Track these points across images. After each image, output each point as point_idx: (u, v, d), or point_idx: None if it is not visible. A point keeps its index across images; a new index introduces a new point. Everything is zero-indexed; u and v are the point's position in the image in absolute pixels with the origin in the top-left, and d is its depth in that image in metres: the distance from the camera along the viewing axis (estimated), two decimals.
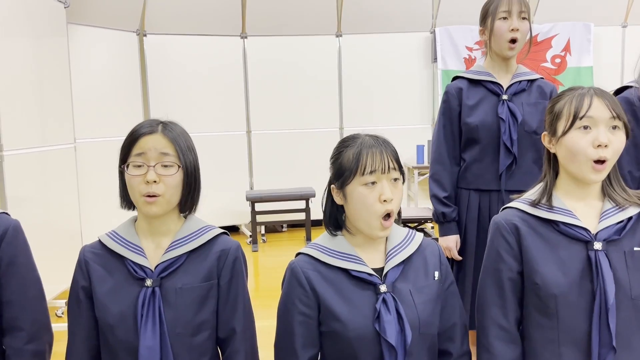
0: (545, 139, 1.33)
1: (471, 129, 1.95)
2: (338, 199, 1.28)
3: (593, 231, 1.26)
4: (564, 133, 1.26)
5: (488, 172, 1.94)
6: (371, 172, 1.21)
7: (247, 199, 5.11)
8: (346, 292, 1.25)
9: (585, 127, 1.23)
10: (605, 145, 1.21)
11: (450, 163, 2.01)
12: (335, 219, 1.32)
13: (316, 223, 5.71)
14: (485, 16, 1.96)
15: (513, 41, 1.89)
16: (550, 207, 1.29)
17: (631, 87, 1.89)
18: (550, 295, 1.24)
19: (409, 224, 4.71)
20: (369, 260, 1.29)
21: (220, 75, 5.40)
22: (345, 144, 1.28)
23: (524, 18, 1.91)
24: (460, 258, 1.98)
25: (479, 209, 1.94)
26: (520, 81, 1.97)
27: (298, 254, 1.33)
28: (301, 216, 5.26)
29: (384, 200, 1.21)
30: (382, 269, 1.27)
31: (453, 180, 2.01)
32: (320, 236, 1.34)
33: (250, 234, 5.22)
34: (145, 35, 5.11)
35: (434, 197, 2.01)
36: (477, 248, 1.96)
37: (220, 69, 5.41)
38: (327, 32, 5.56)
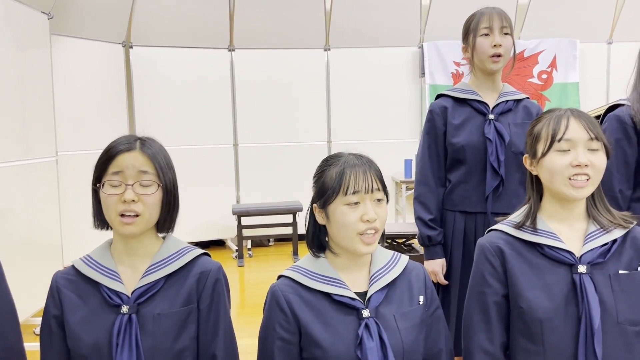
0: (526, 161, 1.31)
1: (457, 150, 1.91)
2: (320, 219, 1.25)
3: (578, 254, 1.23)
4: (543, 155, 1.24)
5: (474, 193, 1.90)
6: (354, 192, 1.18)
7: (234, 213, 5.06)
8: (328, 317, 1.21)
9: (564, 149, 1.22)
10: (586, 165, 1.20)
11: (435, 184, 1.96)
12: (319, 239, 1.29)
13: (303, 237, 5.66)
14: (467, 33, 1.94)
15: (496, 57, 1.87)
16: (534, 230, 1.27)
17: (623, 105, 1.89)
18: (535, 320, 1.21)
19: (397, 240, 4.68)
20: (353, 283, 1.26)
21: (207, 87, 5.37)
22: (328, 162, 1.25)
23: (506, 33, 1.88)
24: (446, 282, 1.94)
25: (465, 231, 1.90)
26: (506, 101, 1.94)
27: (280, 276, 1.29)
28: (288, 230, 5.21)
29: (367, 221, 1.18)
30: (366, 292, 1.24)
31: (438, 201, 1.96)
32: (304, 258, 1.31)
33: (237, 248, 5.16)
34: (131, 47, 5.07)
35: (419, 220, 1.97)
36: (463, 271, 1.91)
37: (208, 82, 5.38)
38: (315, 45, 5.56)
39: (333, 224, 1.21)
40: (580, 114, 1.25)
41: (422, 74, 5.56)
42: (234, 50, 5.45)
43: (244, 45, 5.44)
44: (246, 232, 5.17)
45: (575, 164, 1.20)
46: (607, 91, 5.80)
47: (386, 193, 1.25)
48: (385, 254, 1.32)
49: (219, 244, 5.72)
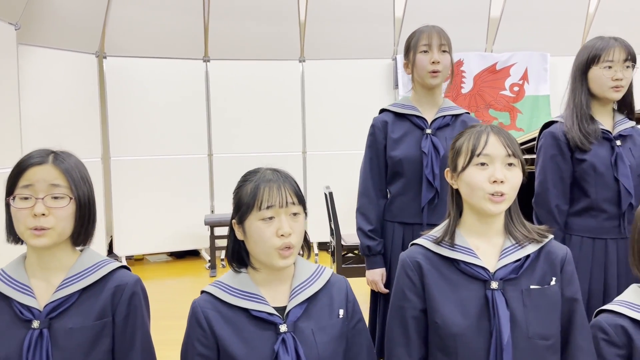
0: (448, 175, 1.34)
1: (395, 163, 1.97)
2: (239, 234, 1.27)
3: (493, 270, 1.26)
4: (463, 169, 1.27)
5: (411, 205, 1.95)
6: (268, 207, 1.20)
7: (206, 223, 5.05)
8: (245, 333, 1.23)
9: (482, 164, 1.25)
10: (502, 181, 1.23)
11: (376, 196, 2.01)
12: (239, 255, 1.30)
13: None
14: (408, 50, 2.00)
15: (434, 72, 1.93)
16: (452, 245, 1.29)
17: (557, 122, 1.94)
18: (450, 335, 1.23)
19: (356, 251, 4.69)
20: (273, 298, 1.27)
21: (182, 98, 5.38)
22: (245, 178, 1.28)
23: (444, 51, 1.94)
24: (386, 291, 1.97)
25: (403, 241, 1.95)
26: (444, 116, 1.99)
27: (202, 292, 1.30)
28: None
29: (282, 235, 1.20)
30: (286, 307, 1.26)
31: (379, 213, 2.01)
32: (226, 273, 1.32)
33: (209, 258, 5.15)
34: (105, 58, 5.07)
35: (359, 230, 2.01)
36: None
37: (183, 92, 5.39)
38: (290, 57, 5.59)
39: (250, 240, 1.23)
40: (500, 130, 1.28)
41: (396, 85, 5.61)
42: (209, 61, 5.47)
43: (219, 56, 5.46)
44: (220, 243, 5.16)
45: (492, 179, 1.23)
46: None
47: (304, 207, 1.27)
48: (308, 268, 1.33)
49: (194, 254, 5.71)
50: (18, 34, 3.70)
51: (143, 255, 5.58)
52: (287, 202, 1.21)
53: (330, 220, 3.87)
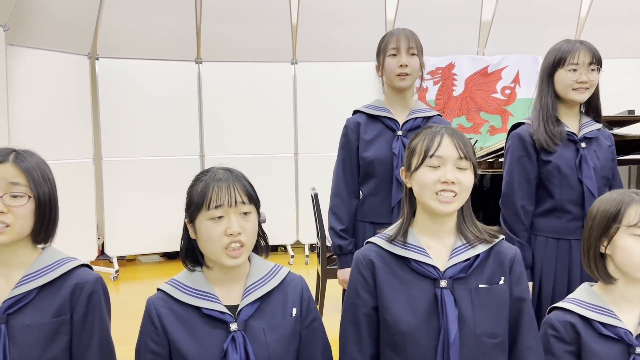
0: (402, 174, 1.36)
1: (367, 163, 1.99)
2: (191, 233, 1.29)
3: (443, 269, 1.28)
4: (416, 169, 1.29)
5: (382, 205, 1.97)
6: (217, 207, 1.22)
7: None
8: (197, 331, 1.25)
9: (435, 165, 1.27)
10: (453, 182, 1.24)
11: (348, 196, 2.03)
12: (193, 253, 1.32)
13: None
14: (378, 53, 2.02)
15: (402, 75, 1.94)
16: (404, 244, 1.31)
17: (525, 123, 1.95)
18: (399, 333, 1.25)
19: None
20: (226, 296, 1.29)
21: (174, 99, 5.40)
22: (197, 177, 1.30)
23: (412, 54, 1.96)
24: None
25: None
26: (416, 118, 2.01)
27: (158, 289, 1.32)
28: None
29: (231, 234, 1.22)
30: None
31: (351, 213, 2.03)
32: (182, 272, 1.34)
33: None
34: (97, 59, 5.10)
35: (331, 230, 2.03)
36: None
37: (175, 94, 5.41)
38: (282, 59, 5.62)
39: (200, 239, 1.25)
40: (454, 133, 1.30)
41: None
42: (201, 62, 5.50)
43: (211, 58, 5.48)
44: None
45: (443, 180, 1.25)
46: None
47: (256, 206, 1.28)
48: (264, 267, 1.35)
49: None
50: (7, 35, 3.74)
51: (135, 255, 5.60)
52: (236, 201, 1.23)
53: (316, 222, 3.89)
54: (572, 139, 1.86)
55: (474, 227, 1.32)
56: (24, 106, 4.21)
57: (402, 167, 1.36)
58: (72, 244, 4.93)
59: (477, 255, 1.29)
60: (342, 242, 1.99)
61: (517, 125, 1.97)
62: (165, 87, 5.37)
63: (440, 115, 2.10)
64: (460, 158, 1.27)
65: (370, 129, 2.02)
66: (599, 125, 1.94)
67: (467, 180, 1.27)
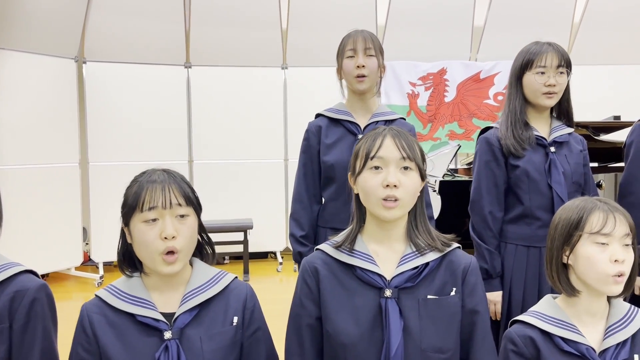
0: (350, 179, 1.30)
1: (328, 168, 1.93)
2: (128, 237, 1.23)
3: (390, 277, 1.21)
4: (359, 173, 1.23)
5: (343, 211, 1.90)
6: (150, 208, 1.16)
7: None
8: (129, 339, 1.18)
9: (377, 167, 1.20)
10: (395, 186, 1.18)
11: (309, 202, 1.97)
12: (131, 258, 1.26)
13: (257, 255, 5.63)
14: (337, 56, 1.97)
15: (360, 77, 1.88)
16: (350, 251, 1.25)
17: (493, 127, 1.90)
18: (340, 345, 1.19)
19: None
20: (165, 303, 1.23)
21: (163, 104, 5.36)
22: (134, 179, 1.24)
23: (370, 55, 1.90)
24: None
25: None
26: (377, 121, 1.95)
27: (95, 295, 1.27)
28: (240, 248, 5.17)
29: (165, 238, 1.16)
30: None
31: (312, 219, 1.97)
32: (121, 277, 1.28)
33: None
34: (84, 63, 5.07)
35: (292, 237, 1.97)
36: None
37: (164, 98, 5.37)
38: (272, 64, 5.58)
39: (135, 242, 1.19)
40: (398, 134, 1.24)
41: (378, 93, 5.57)
42: (190, 67, 5.46)
43: (201, 62, 5.45)
44: None
45: (385, 183, 1.19)
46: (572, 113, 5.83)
47: (195, 209, 1.23)
48: (206, 273, 1.29)
49: None
50: None
51: None
52: (171, 203, 1.17)
53: None
54: (541, 144, 1.80)
55: (425, 234, 1.25)
56: (9, 109, 4.18)
57: (350, 172, 1.30)
58: (58, 249, 4.88)
59: (427, 264, 1.22)
60: (302, 249, 1.93)
61: (486, 129, 1.91)
62: (154, 91, 5.33)
63: (404, 119, 2.04)
64: (404, 158, 1.20)
65: (331, 133, 1.97)
66: (570, 130, 1.88)
67: (411, 182, 1.20)
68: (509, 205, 1.83)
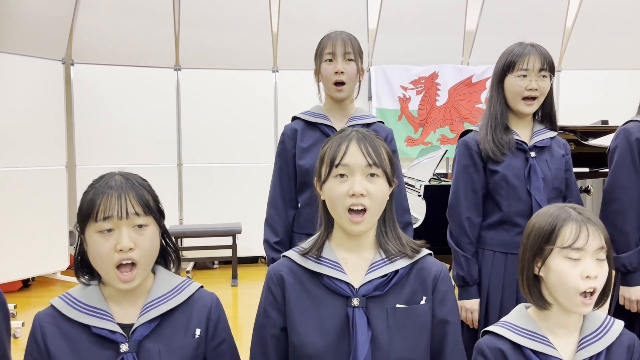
0: (316, 184, 1.25)
1: (303, 172, 1.88)
2: (85, 245, 1.17)
3: (358, 286, 1.16)
4: (324, 180, 1.18)
5: (317, 216, 1.85)
6: (105, 218, 1.10)
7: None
8: (84, 352, 1.13)
9: (342, 175, 1.16)
10: (361, 195, 1.13)
11: (284, 207, 1.91)
12: (89, 265, 1.20)
13: (247, 260, 5.57)
14: (315, 58, 1.92)
15: (338, 83, 1.84)
16: (317, 258, 1.20)
17: (473, 130, 1.85)
18: (305, 356, 1.14)
19: None
20: (124, 314, 1.17)
21: (152, 106, 5.31)
22: (91, 183, 1.18)
23: (349, 60, 1.85)
24: None
25: None
26: (354, 125, 1.90)
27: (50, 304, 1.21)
28: (229, 253, 5.11)
29: (120, 250, 1.10)
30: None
31: (287, 224, 1.91)
32: (78, 285, 1.23)
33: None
34: (72, 65, 5.02)
35: (265, 242, 1.91)
36: None
37: (153, 101, 5.32)
38: (263, 67, 5.53)
39: (89, 253, 1.14)
40: (364, 138, 1.19)
41: (370, 97, 5.54)
42: (180, 69, 5.41)
43: (191, 65, 5.40)
44: (188, 254, 5.07)
45: (351, 193, 1.14)
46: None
47: (155, 218, 1.17)
48: (170, 282, 1.24)
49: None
50: None
51: None
52: (127, 213, 1.11)
53: None
54: (521, 148, 1.76)
55: (395, 240, 1.20)
56: None
57: (316, 178, 1.25)
58: (43, 253, 4.82)
59: (397, 272, 1.17)
60: (276, 256, 1.87)
61: (466, 132, 1.87)
62: (143, 94, 5.28)
63: (382, 122, 1.99)
64: (370, 165, 1.15)
65: (307, 137, 1.91)
66: (553, 134, 1.84)
67: (378, 190, 1.15)
68: (487, 211, 1.78)
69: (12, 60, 4.40)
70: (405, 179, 3.63)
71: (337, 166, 1.15)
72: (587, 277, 1.11)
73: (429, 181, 3.15)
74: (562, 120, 6.09)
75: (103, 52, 5.10)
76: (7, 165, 4.36)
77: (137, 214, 1.12)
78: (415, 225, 2.86)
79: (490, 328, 1.24)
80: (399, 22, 5.41)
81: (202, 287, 1.28)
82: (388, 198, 1.20)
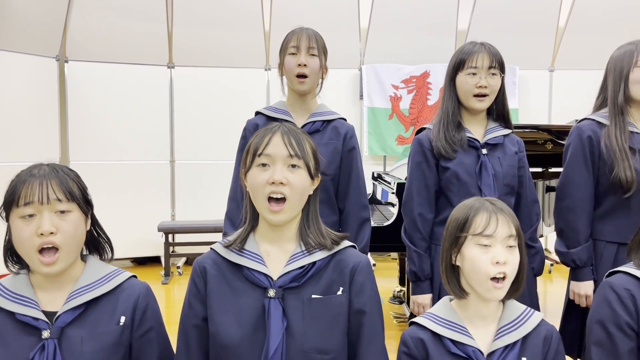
0: (242, 175, 1.27)
1: None
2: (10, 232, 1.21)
3: (277, 277, 1.18)
4: (247, 170, 1.20)
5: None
6: (26, 204, 1.13)
7: (159, 230, 5.00)
8: (7, 339, 1.16)
9: (264, 165, 1.18)
10: (281, 183, 1.15)
11: (243, 201, 1.93)
12: (17, 254, 1.23)
13: None
14: (279, 52, 1.94)
15: (301, 76, 1.85)
16: (240, 250, 1.22)
17: (427, 128, 1.87)
18: (222, 347, 1.16)
19: None
20: (49, 302, 1.20)
21: (145, 103, 5.36)
22: (18, 173, 1.21)
23: (313, 54, 1.86)
24: None
25: None
26: (315, 121, 1.92)
27: None
28: None
29: (41, 234, 1.13)
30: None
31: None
32: (9, 275, 1.26)
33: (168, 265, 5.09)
34: (66, 62, 5.08)
35: (224, 236, 1.92)
36: None
37: (146, 98, 5.37)
38: (255, 65, 5.57)
39: (14, 239, 1.17)
40: (289, 131, 1.21)
41: (361, 96, 5.55)
42: (173, 67, 5.46)
43: (184, 63, 5.45)
44: (179, 250, 5.12)
45: (271, 180, 1.16)
46: (549, 117, 5.78)
47: (80, 205, 1.20)
48: (100, 271, 1.27)
49: (154, 260, 5.66)
50: None
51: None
52: (49, 198, 1.14)
53: None
54: (473, 145, 1.77)
55: (316, 233, 1.22)
56: None
57: (242, 168, 1.27)
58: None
59: (314, 263, 1.19)
60: None
61: (421, 130, 1.88)
62: (136, 91, 5.34)
63: (344, 120, 2.00)
64: (291, 156, 1.17)
65: None
66: (507, 131, 1.84)
67: (298, 181, 1.17)
68: (440, 207, 1.79)
69: (6, 58, 4.47)
70: (385, 177, 3.64)
71: (259, 155, 1.18)
72: (497, 262, 1.16)
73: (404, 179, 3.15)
74: (555, 119, 6.06)
75: (97, 50, 5.16)
76: (1, 161, 4.43)
77: (59, 199, 1.15)
78: (387, 223, 2.87)
79: (415, 319, 1.26)
80: (391, 21, 5.42)
81: (134, 276, 1.30)
82: (311, 192, 1.22)
